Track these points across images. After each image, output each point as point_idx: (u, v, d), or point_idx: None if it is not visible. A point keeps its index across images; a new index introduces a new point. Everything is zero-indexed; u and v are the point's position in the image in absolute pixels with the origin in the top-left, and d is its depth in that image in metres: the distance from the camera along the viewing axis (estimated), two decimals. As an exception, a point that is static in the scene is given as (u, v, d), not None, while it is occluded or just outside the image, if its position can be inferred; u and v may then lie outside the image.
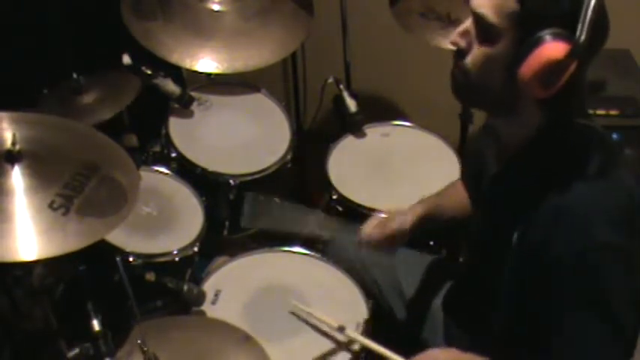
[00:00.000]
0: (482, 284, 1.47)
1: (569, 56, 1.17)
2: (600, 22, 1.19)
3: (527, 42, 1.20)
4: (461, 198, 1.69)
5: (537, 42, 1.19)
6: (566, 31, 1.17)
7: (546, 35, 1.18)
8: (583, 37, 1.15)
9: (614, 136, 2.08)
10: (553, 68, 1.19)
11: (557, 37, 1.18)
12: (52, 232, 1.35)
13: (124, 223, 1.83)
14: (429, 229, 1.74)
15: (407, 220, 1.67)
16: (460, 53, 1.29)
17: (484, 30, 1.25)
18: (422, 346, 1.61)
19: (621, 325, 1.25)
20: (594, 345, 1.26)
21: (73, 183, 1.43)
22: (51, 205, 1.38)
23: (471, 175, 1.63)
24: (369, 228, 1.70)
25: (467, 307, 1.58)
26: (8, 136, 1.43)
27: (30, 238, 1.34)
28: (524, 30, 1.20)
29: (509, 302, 1.37)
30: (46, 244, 1.34)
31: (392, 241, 1.68)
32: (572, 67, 1.19)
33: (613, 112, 2.17)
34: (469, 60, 1.28)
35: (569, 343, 1.27)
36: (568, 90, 1.22)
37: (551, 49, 1.18)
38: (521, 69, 1.21)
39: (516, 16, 1.21)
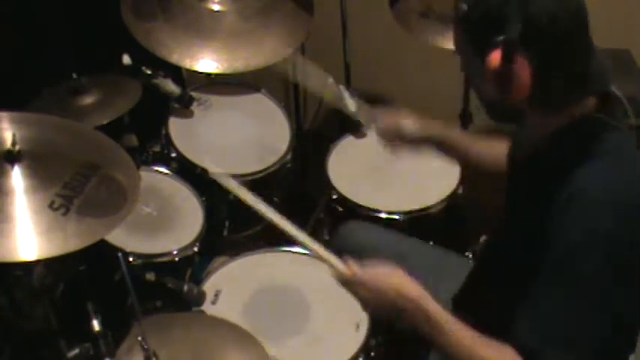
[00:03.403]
0: (498, 280, 1.48)
1: (503, 61, 1.22)
2: (538, 11, 1.21)
3: (482, 58, 1.26)
4: (496, 152, 1.69)
5: (484, 56, 1.25)
6: (503, 37, 1.22)
7: (489, 46, 1.24)
8: (512, 37, 1.20)
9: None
10: (499, 75, 1.23)
11: (494, 45, 1.23)
12: (52, 232, 1.35)
13: (124, 223, 1.84)
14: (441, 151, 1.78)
15: (423, 126, 1.73)
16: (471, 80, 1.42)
17: (463, 61, 1.35)
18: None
19: (605, 309, 1.26)
20: (568, 325, 1.26)
21: (73, 183, 1.43)
22: (51, 205, 1.38)
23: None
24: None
25: (481, 304, 1.58)
26: (8, 136, 1.43)
27: (30, 239, 1.34)
28: (477, 50, 1.27)
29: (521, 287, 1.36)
30: (46, 244, 1.34)
31: (399, 136, 1.74)
32: (522, 66, 1.22)
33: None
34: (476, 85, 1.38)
35: (543, 319, 1.28)
36: (542, 86, 1.24)
37: (491, 59, 1.23)
38: (485, 86, 1.28)
39: (466, 41, 1.30)
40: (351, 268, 1.44)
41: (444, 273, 1.75)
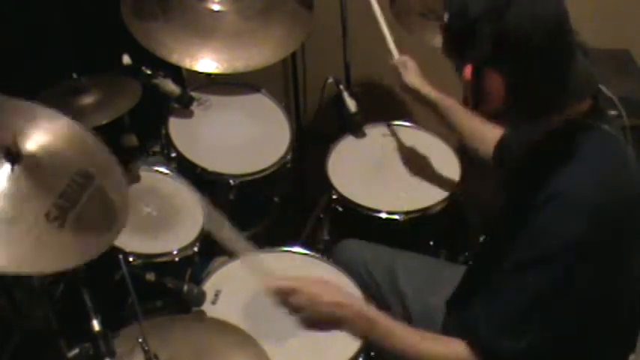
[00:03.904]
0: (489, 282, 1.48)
1: (473, 75, 1.27)
2: (512, 29, 1.23)
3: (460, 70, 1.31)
4: (480, 132, 1.82)
5: (460, 68, 1.30)
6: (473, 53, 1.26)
7: (464, 60, 1.29)
8: (481, 54, 1.24)
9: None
10: (472, 88, 1.28)
11: (467, 60, 1.28)
12: (49, 245, 1.34)
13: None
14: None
15: (422, 85, 1.96)
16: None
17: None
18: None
19: (551, 311, 1.28)
20: (519, 321, 1.29)
21: (68, 193, 1.41)
22: (48, 216, 1.36)
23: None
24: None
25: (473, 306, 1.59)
26: (9, 134, 1.42)
27: (27, 250, 1.32)
28: (456, 61, 1.32)
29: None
30: (42, 259, 1.32)
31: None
32: (493, 80, 1.25)
33: (613, 112, 2.17)
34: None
35: (496, 313, 1.31)
36: (519, 98, 1.27)
37: (465, 72, 1.28)
38: (465, 92, 1.32)
39: (447, 53, 1.34)
40: (282, 279, 1.40)
41: (436, 282, 1.76)
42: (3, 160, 1.41)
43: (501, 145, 1.75)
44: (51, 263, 1.33)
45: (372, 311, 1.40)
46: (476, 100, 1.29)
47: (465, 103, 1.36)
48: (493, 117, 1.36)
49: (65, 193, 1.41)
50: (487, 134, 1.80)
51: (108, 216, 1.45)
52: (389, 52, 2.08)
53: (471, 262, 1.99)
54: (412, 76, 1.98)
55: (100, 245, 1.41)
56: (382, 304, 1.79)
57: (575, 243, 1.25)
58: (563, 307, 1.27)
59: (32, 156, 1.44)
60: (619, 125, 1.35)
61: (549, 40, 1.25)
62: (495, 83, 1.26)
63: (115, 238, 1.44)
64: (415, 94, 1.98)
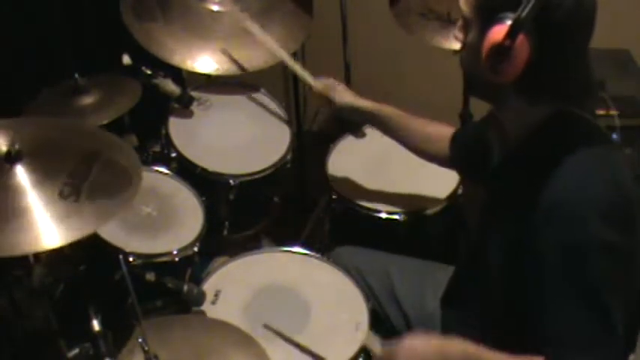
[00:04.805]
0: (481, 275, 1.48)
1: (507, 37, 1.20)
2: (557, 1, 1.21)
3: (484, 30, 1.25)
4: (428, 133, 1.84)
5: (487, 28, 1.24)
6: (514, 14, 1.20)
7: (495, 21, 1.23)
8: (524, 17, 1.18)
9: (614, 136, 2.09)
10: (497, 51, 1.22)
11: (500, 21, 1.22)
12: (70, 217, 1.38)
13: (124, 222, 1.83)
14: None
15: (355, 98, 1.93)
16: (461, 47, 1.37)
17: (464, 22, 1.33)
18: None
19: (609, 312, 1.26)
20: (583, 331, 1.27)
21: (77, 171, 1.44)
22: (61, 194, 1.40)
23: (469, 159, 1.69)
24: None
25: (466, 300, 1.59)
26: (6, 139, 1.43)
27: (49, 227, 1.36)
28: (483, 19, 1.26)
29: (505, 287, 1.38)
30: (65, 231, 1.36)
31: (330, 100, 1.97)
32: (523, 49, 1.21)
33: (613, 112, 2.18)
34: (463, 52, 1.36)
35: (560, 330, 1.28)
36: (533, 75, 1.25)
37: (493, 32, 1.23)
38: (478, 58, 1.26)
39: (478, 6, 1.28)
40: (385, 348, 1.50)
41: (431, 285, 1.76)
42: (3, 162, 1.42)
43: (457, 140, 1.77)
44: (74, 232, 1.37)
45: (473, 348, 1.38)
46: (493, 65, 1.24)
47: (469, 69, 1.36)
48: (494, 91, 1.34)
49: (74, 172, 1.44)
50: (436, 133, 1.82)
51: (121, 179, 1.49)
52: (305, 82, 2.06)
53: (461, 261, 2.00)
54: (345, 95, 1.95)
55: (121, 204, 1.46)
56: (379, 310, 1.80)
57: (594, 247, 1.24)
58: (609, 307, 1.27)
59: (33, 153, 1.44)
60: (609, 124, 1.35)
61: (584, 28, 1.26)
62: (521, 52, 1.22)
63: (133, 196, 1.48)
64: (351, 111, 1.95)
